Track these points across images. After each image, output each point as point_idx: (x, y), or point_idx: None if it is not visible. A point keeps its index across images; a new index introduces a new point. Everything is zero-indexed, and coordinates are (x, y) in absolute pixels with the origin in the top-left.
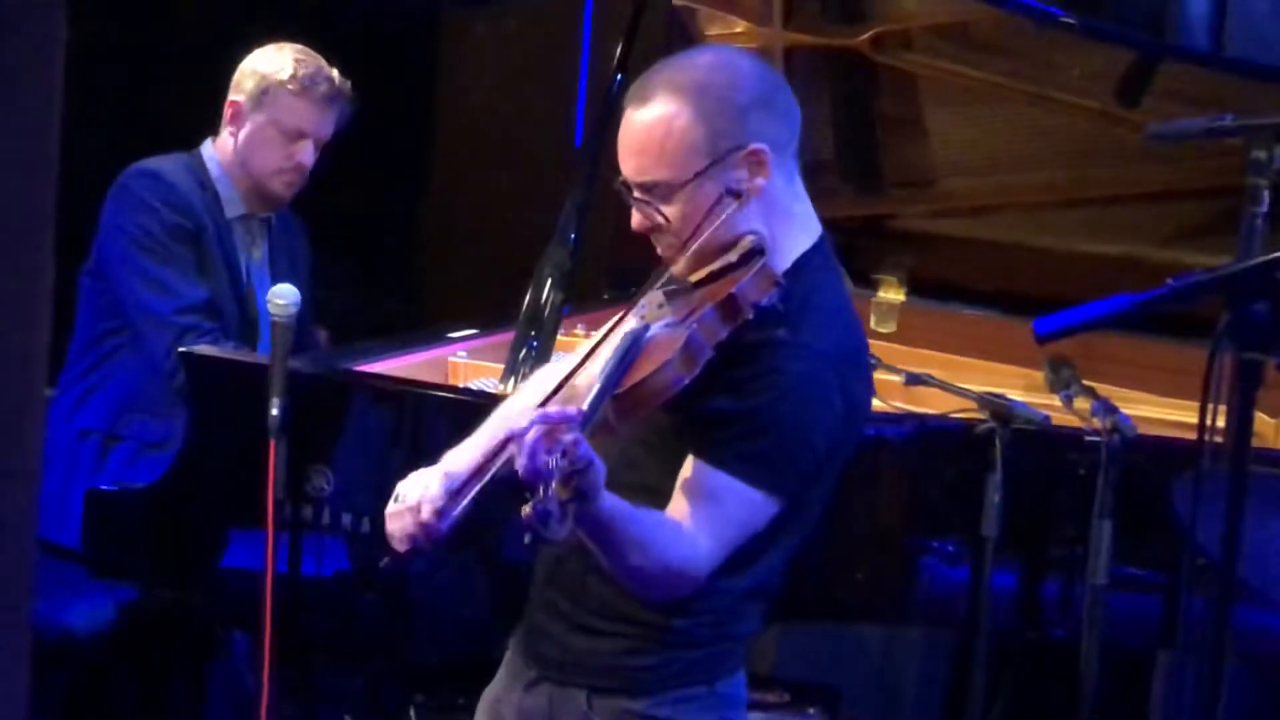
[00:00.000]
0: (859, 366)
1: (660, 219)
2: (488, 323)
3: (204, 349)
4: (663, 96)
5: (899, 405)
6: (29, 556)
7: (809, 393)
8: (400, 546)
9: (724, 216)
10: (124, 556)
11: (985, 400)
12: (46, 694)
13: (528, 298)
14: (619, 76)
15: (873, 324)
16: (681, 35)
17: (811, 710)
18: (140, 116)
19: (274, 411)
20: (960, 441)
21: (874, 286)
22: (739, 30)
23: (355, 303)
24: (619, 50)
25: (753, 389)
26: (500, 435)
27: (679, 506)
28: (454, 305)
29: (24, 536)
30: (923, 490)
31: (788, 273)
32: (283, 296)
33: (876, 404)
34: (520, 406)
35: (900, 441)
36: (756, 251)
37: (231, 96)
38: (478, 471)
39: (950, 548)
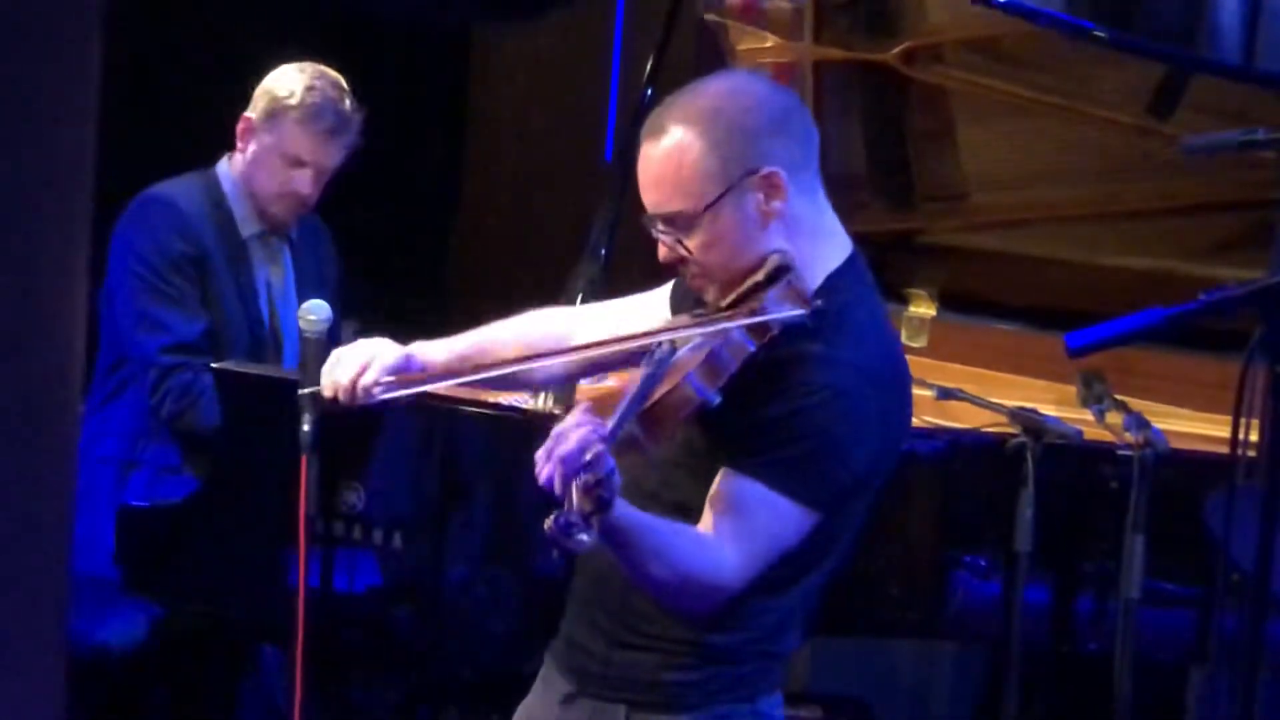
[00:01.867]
0: (897, 383)
1: (683, 250)
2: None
3: (235, 365)
4: (674, 127)
5: (931, 420)
6: (65, 572)
7: (843, 404)
8: (327, 392)
9: (745, 242)
10: (156, 572)
11: (1017, 415)
12: (81, 710)
13: None
14: (649, 91)
15: (904, 338)
16: (712, 50)
17: None
18: (169, 131)
19: (305, 428)
20: (993, 456)
21: (905, 301)
22: (769, 45)
23: (386, 317)
24: (649, 65)
25: (783, 398)
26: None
27: (706, 519)
28: (485, 319)
29: (60, 552)
30: (955, 505)
31: (819, 290)
32: (314, 312)
33: None
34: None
35: (933, 456)
36: (783, 268)
37: (246, 112)
38: (439, 374)
39: (983, 562)
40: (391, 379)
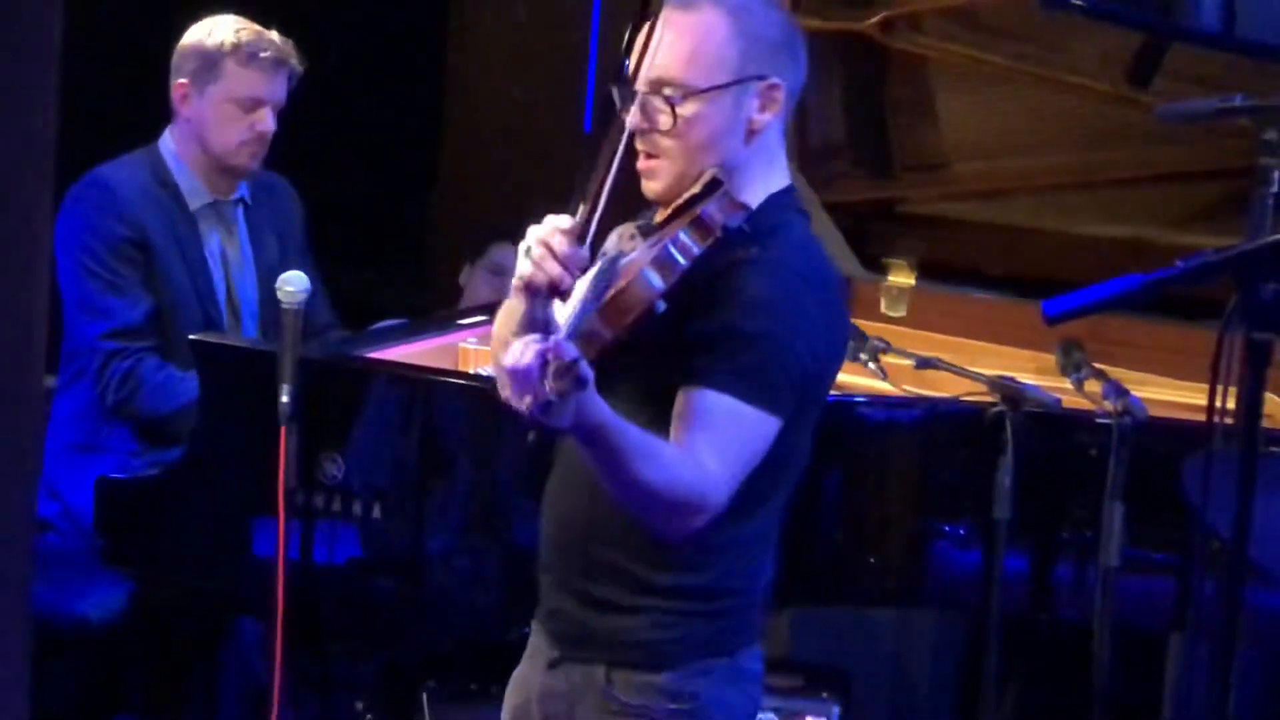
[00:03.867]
0: (833, 288)
1: (665, 118)
2: (497, 309)
3: (213, 336)
4: (707, 5)
5: (910, 389)
6: (27, 552)
7: (787, 305)
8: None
9: (723, 137)
10: (135, 545)
11: (996, 383)
12: (59, 681)
13: None
14: (627, 63)
15: (883, 308)
16: None
17: (824, 694)
18: (135, 109)
19: (284, 399)
20: (971, 425)
21: (884, 270)
22: None
23: (366, 290)
24: (627, 36)
25: (729, 306)
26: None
27: (676, 436)
28: (462, 291)
29: (23, 528)
30: (934, 474)
31: (761, 205)
32: (292, 284)
33: (887, 388)
34: None
35: (911, 425)
36: (718, 181)
37: (176, 79)
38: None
39: (962, 531)
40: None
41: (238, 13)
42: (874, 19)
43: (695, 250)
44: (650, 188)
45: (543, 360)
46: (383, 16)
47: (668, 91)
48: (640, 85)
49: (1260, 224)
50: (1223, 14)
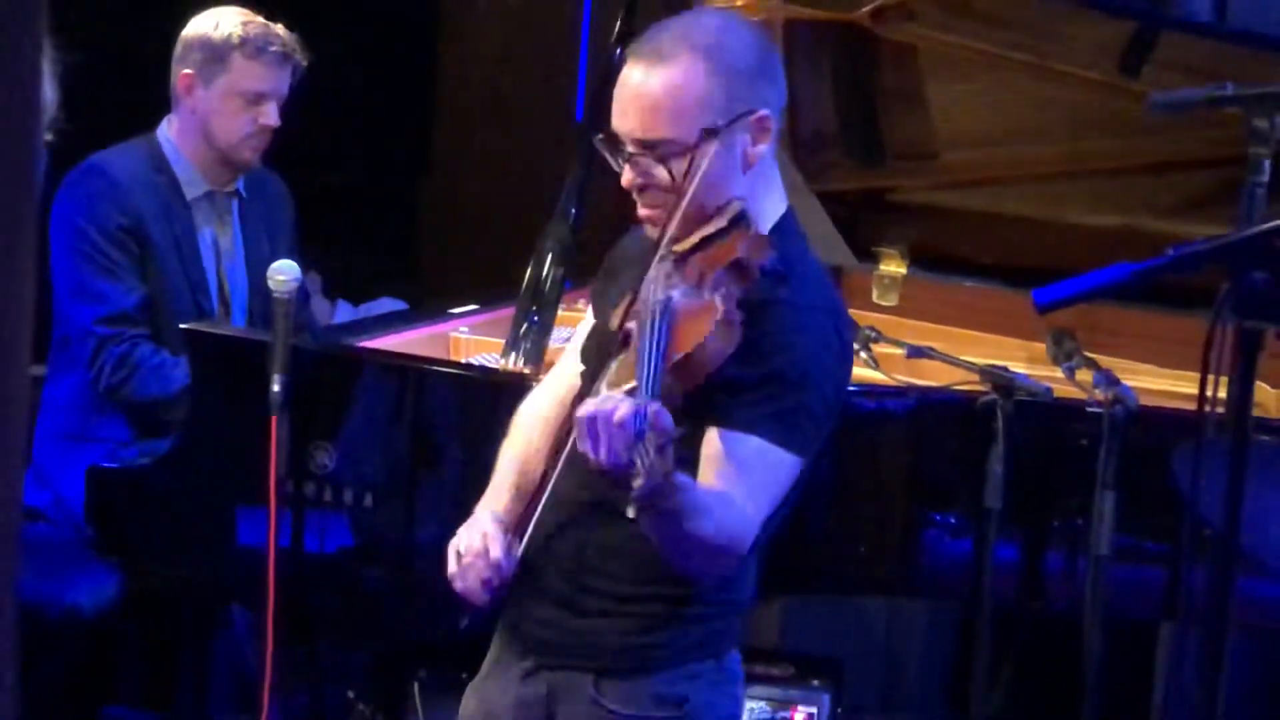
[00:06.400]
0: (845, 319)
1: (663, 176)
2: (489, 298)
3: (205, 325)
4: (679, 55)
5: (901, 378)
6: (13, 536)
7: (819, 348)
8: (479, 599)
9: (724, 180)
10: (126, 534)
11: (987, 372)
12: (51, 670)
13: (529, 273)
14: (619, 50)
15: (875, 297)
16: (682, 9)
17: (815, 683)
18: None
19: (275, 388)
20: (963, 414)
21: (876, 260)
22: (739, 3)
23: (356, 279)
24: (618, 24)
25: (769, 351)
26: (543, 446)
27: (709, 478)
28: (455, 280)
29: (7, 518)
30: (925, 463)
31: (771, 235)
32: (283, 273)
33: (879, 377)
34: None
35: (903, 414)
36: (743, 216)
37: (181, 69)
38: (536, 493)
39: (953, 520)
40: (506, 539)
41: (234, 3)
42: (866, 8)
43: (737, 294)
44: (666, 233)
45: (641, 426)
46: (374, 5)
47: (660, 150)
48: (629, 145)
49: (1250, 212)
50: (1214, 3)
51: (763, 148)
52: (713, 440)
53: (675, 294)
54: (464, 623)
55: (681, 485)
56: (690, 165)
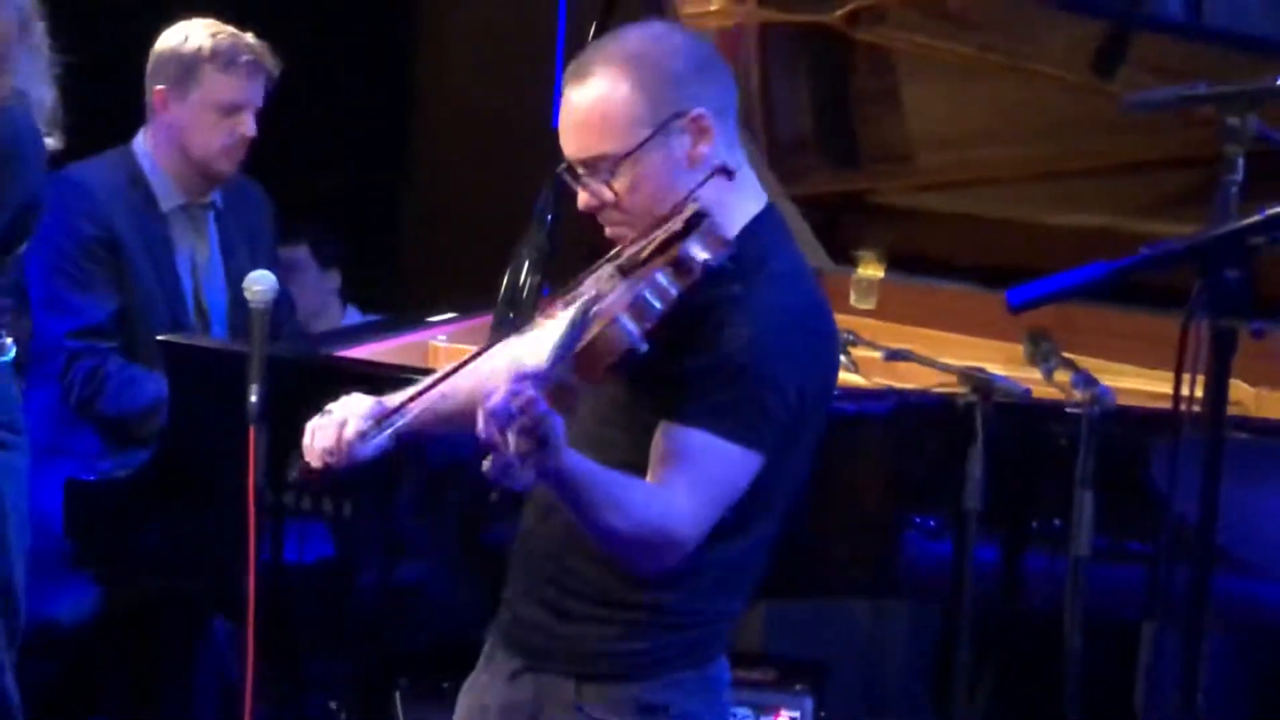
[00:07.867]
0: (824, 329)
1: (608, 194)
2: (467, 306)
3: (181, 337)
4: (600, 71)
5: (880, 381)
6: None
7: (770, 343)
8: (315, 462)
9: (671, 185)
10: (105, 546)
11: (966, 374)
12: (32, 683)
13: (505, 280)
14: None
15: (853, 300)
16: (656, 15)
17: (798, 686)
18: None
19: (253, 398)
20: (942, 416)
21: (853, 262)
22: (714, 8)
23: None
24: (593, 31)
25: (710, 344)
26: (435, 382)
27: (654, 473)
28: (433, 288)
29: None
30: (905, 465)
31: (739, 236)
32: (259, 283)
33: (857, 380)
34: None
35: (881, 417)
36: (701, 214)
37: (155, 85)
38: (407, 403)
39: (933, 522)
40: (372, 423)
41: (207, 13)
42: (840, 11)
43: (674, 292)
44: (625, 245)
45: (512, 411)
46: (351, 14)
47: (600, 167)
48: (577, 167)
49: (1225, 211)
50: (1189, 2)
51: (704, 149)
52: (658, 433)
53: (608, 296)
54: (292, 475)
55: (579, 476)
56: (632, 178)
